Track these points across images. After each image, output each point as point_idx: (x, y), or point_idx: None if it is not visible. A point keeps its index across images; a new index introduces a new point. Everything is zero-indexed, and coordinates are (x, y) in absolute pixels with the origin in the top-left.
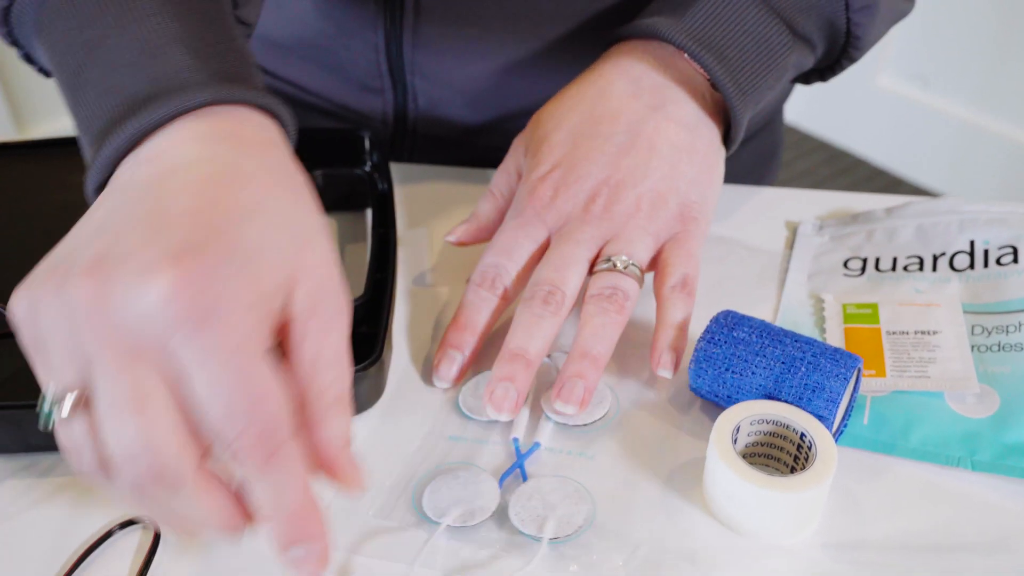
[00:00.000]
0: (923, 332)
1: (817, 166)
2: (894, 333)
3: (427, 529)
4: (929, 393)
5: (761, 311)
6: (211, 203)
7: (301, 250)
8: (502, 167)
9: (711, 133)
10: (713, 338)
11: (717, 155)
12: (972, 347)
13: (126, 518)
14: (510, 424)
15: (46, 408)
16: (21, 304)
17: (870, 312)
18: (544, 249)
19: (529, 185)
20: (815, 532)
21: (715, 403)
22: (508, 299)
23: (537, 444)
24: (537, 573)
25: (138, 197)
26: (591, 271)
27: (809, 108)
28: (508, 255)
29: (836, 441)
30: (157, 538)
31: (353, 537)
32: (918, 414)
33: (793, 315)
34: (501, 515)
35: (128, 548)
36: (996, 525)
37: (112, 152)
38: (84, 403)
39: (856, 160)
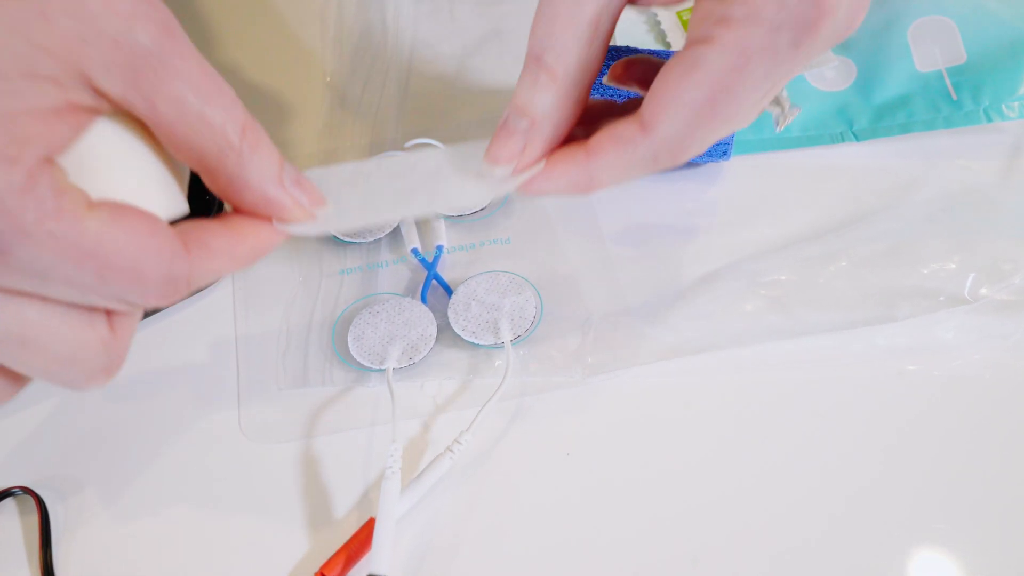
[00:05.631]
0: None
1: None
2: None
3: (374, 381)
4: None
5: None
6: None
7: (38, 10)
8: (563, 2)
9: None
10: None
11: None
12: None
13: None
14: (397, 238)
15: None
16: None
17: None
18: None
19: None
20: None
21: None
22: None
23: (440, 247)
24: (506, 384)
25: None
26: None
27: None
28: None
29: (729, 154)
30: (43, 506)
31: (299, 419)
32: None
33: (633, 39)
34: (446, 336)
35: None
36: (889, 183)
37: None
38: None
39: None
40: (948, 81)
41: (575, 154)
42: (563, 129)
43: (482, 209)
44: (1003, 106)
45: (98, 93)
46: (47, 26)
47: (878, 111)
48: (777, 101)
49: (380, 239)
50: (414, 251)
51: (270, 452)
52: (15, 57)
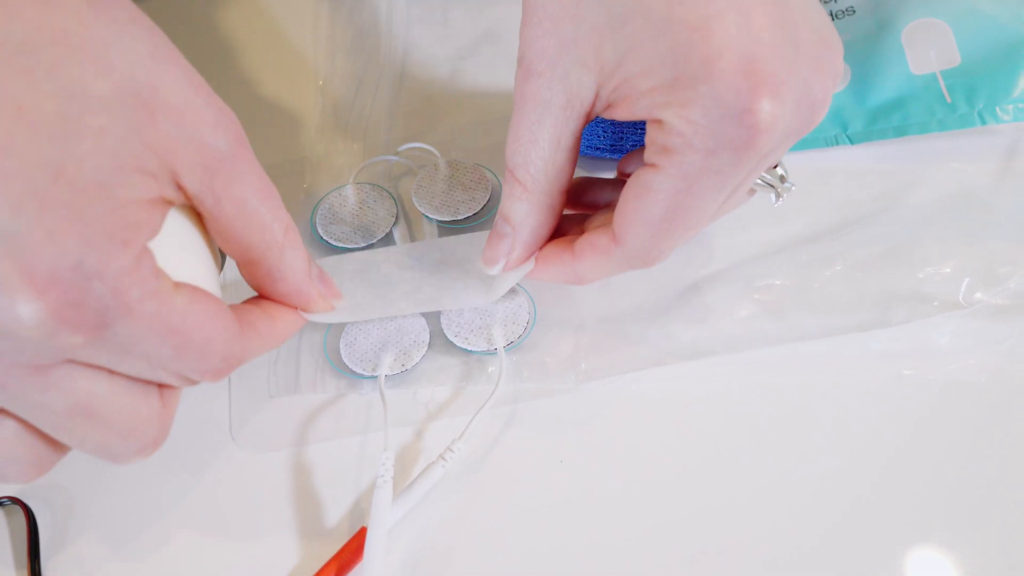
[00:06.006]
0: None
1: None
2: None
3: (367, 388)
4: None
5: None
6: None
7: (148, 114)
8: (526, 124)
9: None
10: None
11: None
12: None
13: None
14: (389, 242)
15: None
16: None
17: None
18: None
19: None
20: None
21: (598, 156)
22: None
23: None
24: (499, 391)
25: None
26: None
27: None
28: None
29: None
30: (31, 516)
31: (290, 427)
32: None
33: None
34: (439, 343)
35: None
36: (883, 186)
37: None
38: None
39: None
40: (942, 83)
41: (563, 254)
42: (542, 231)
43: (474, 215)
44: (997, 109)
45: (179, 188)
46: (154, 129)
47: (872, 114)
48: (768, 183)
49: (372, 244)
50: None
51: (261, 460)
52: (132, 154)
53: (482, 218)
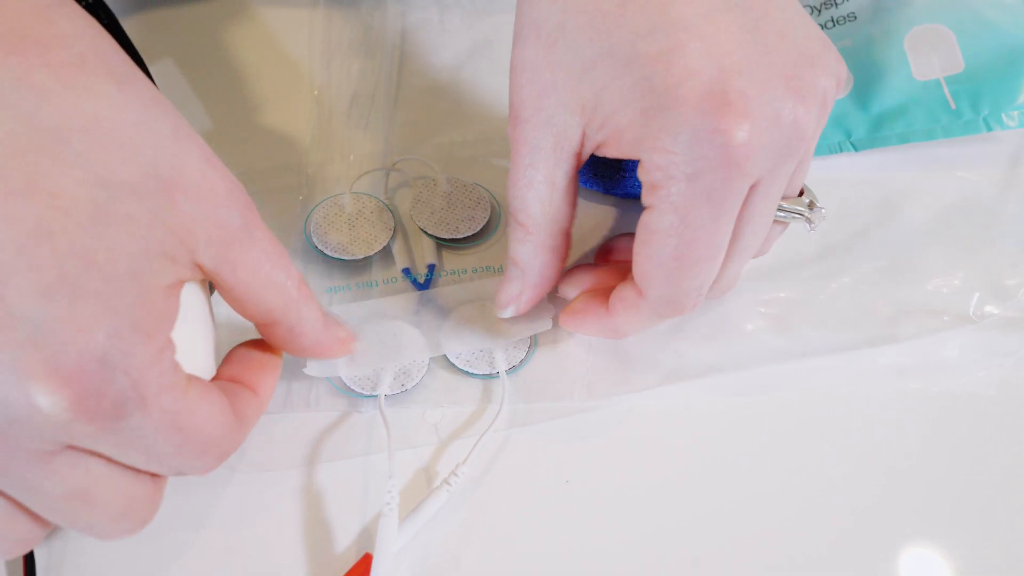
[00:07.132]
0: None
1: None
2: None
3: (366, 406)
4: None
5: None
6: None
7: (169, 197)
8: (520, 168)
9: None
10: None
11: None
12: None
13: None
14: (388, 256)
15: None
16: None
17: None
18: None
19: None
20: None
21: (595, 190)
22: None
23: (432, 267)
24: (503, 413)
25: None
26: None
27: None
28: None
29: None
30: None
31: (289, 447)
32: None
33: None
34: (439, 361)
35: None
36: (888, 193)
37: None
38: None
39: None
40: (946, 90)
41: (599, 310)
42: (548, 271)
43: (474, 235)
44: (1003, 115)
45: (196, 267)
46: (175, 211)
47: (876, 120)
48: (797, 212)
49: (370, 257)
50: (405, 271)
51: (257, 482)
52: (157, 240)
53: (481, 239)
